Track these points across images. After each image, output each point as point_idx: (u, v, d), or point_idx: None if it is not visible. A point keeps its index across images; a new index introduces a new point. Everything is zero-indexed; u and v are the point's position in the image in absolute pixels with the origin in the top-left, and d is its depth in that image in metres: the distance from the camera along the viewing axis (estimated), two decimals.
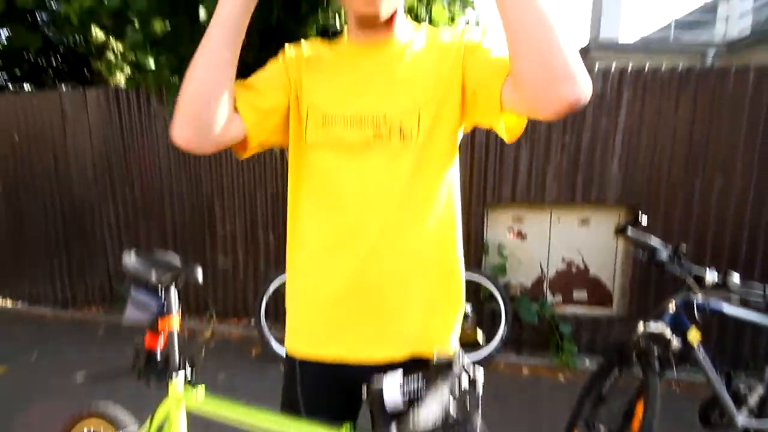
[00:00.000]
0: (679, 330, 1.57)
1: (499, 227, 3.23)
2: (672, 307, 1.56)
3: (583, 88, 0.60)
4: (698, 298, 1.51)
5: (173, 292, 1.09)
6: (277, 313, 2.99)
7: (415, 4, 2.49)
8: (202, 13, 2.07)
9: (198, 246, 3.57)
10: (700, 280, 1.50)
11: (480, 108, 0.74)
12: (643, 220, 1.50)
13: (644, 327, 1.54)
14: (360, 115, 0.76)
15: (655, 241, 1.50)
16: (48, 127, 3.75)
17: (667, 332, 1.53)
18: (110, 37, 3.40)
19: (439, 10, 2.54)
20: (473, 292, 3.04)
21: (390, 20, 0.78)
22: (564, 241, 3.18)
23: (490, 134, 2.99)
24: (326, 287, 0.81)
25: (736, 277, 1.45)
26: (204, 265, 3.58)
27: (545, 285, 3.25)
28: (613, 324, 3.08)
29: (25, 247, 4.00)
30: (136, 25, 2.24)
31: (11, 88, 4.91)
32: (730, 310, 1.56)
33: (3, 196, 3.99)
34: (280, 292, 2.93)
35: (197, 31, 2.33)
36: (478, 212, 3.12)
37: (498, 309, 2.96)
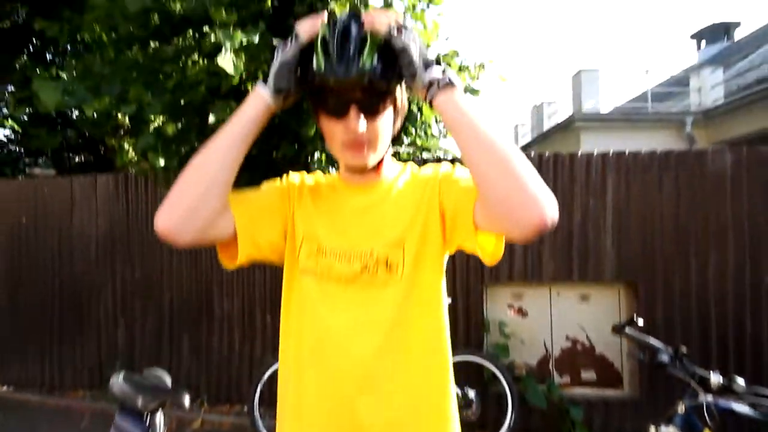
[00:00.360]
0: (692, 431, 1.51)
1: (499, 305, 3.21)
2: (681, 409, 1.52)
3: (547, 211, 0.63)
4: (706, 398, 1.47)
5: (159, 417, 1.06)
6: (272, 399, 2.85)
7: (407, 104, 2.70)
8: (212, 117, 2.24)
9: (194, 327, 3.51)
10: (705, 382, 1.47)
11: (459, 232, 0.78)
12: (639, 321, 1.51)
13: (656, 431, 1.48)
14: (349, 250, 0.80)
15: (655, 342, 1.49)
16: (56, 210, 3.86)
17: None
18: (124, 132, 3.62)
19: (429, 109, 2.75)
20: (475, 374, 2.94)
21: (377, 166, 0.85)
22: (566, 317, 3.14)
23: None
24: (313, 422, 0.80)
25: (741, 381, 1.43)
26: (199, 346, 3.54)
27: (551, 364, 3.15)
28: (626, 407, 2.94)
29: (19, 328, 3.92)
30: (150, 128, 2.41)
31: (27, 171, 5.16)
32: (740, 408, 1.51)
33: (4, 278, 3.99)
34: (276, 379, 2.82)
35: (205, 132, 2.52)
36: (476, 290, 3.12)
37: (503, 391, 2.83)
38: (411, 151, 3.37)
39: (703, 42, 16.09)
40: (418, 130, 3.26)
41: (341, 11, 2.13)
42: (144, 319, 3.64)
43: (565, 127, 8.96)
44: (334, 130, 0.78)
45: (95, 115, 2.65)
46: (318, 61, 0.72)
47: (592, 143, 8.26)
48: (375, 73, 0.71)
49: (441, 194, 0.81)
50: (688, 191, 2.87)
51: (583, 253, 2.97)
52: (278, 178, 0.90)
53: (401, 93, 0.81)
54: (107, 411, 3.38)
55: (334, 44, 0.71)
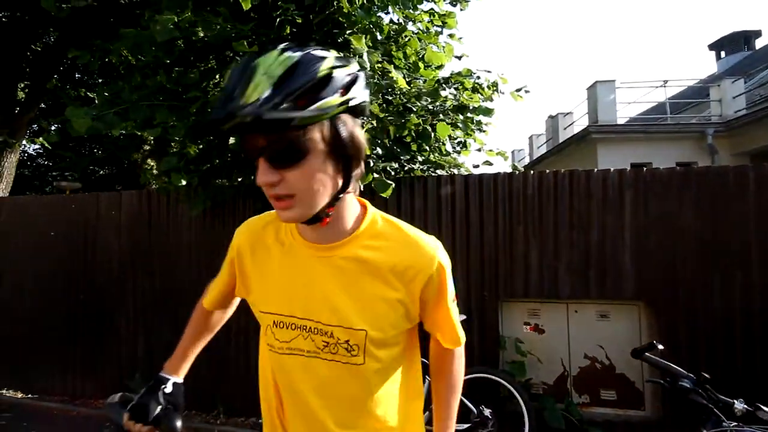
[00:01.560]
0: None
1: (515, 321, 3.18)
2: None
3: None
4: (730, 426, 1.43)
5: None
6: None
7: (421, 123, 2.76)
8: (231, 139, 2.32)
9: (212, 340, 3.55)
10: (728, 409, 1.43)
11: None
12: (659, 345, 1.49)
13: None
14: (309, 324, 0.76)
15: (676, 370, 1.47)
16: (82, 225, 4.02)
17: None
18: (148, 152, 3.77)
19: (443, 127, 2.79)
20: (491, 391, 2.90)
21: (337, 222, 0.75)
22: (584, 335, 3.09)
23: (498, 232, 3.09)
24: None
25: (766, 409, 1.39)
26: (216, 359, 3.60)
27: (569, 383, 3.09)
28: (648, 428, 2.85)
29: (43, 339, 4.06)
30: (173, 149, 2.52)
31: (55, 184, 5.41)
32: None
33: (31, 291, 4.15)
34: None
35: (224, 152, 2.61)
36: (491, 307, 3.10)
37: (520, 410, 2.79)
38: (425, 168, 3.41)
39: (723, 52, 15.81)
40: (431, 147, 3.30)
41: (358, 44, 2.21)
42: (162, 331, 3.72)
43: (581, 138, 8.88)
44: (258, 179, 0.68)
45: (122, 136, 2.77)
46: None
47: (609, 155, 8.15)
48: (260, 111, 0.60)
49: (425, 310, 0.80)
50: (709, 208, 2.82)
51: (601, 271, 2.93)
52: (229, 250, 0.89)
53: (340, 128, 0.68)
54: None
55: (232, 83, 0.63)
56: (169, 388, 0.92)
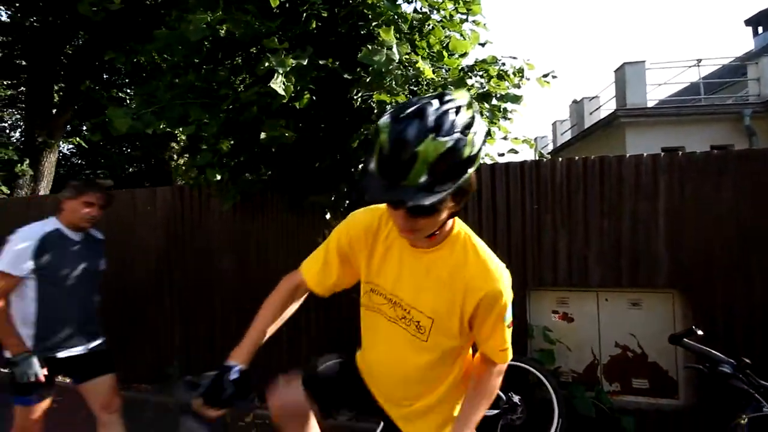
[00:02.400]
0: None
1: (543, 310, 3.17)
2: (744, 420, 1.46)
3: None
4: None
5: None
6: None
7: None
8: (263, 134, 2.39)
9: (244, 328, 3.69)
10: None
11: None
12: (699, 331, 1.47)
13: None
14: (394, 298, 1.02)
15: (716, 355, 1.45)
16: (120, 221, 4.21)
17: None
18: (181, 150, 3.89)
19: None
20: (519, 379, 2.91)
21: (433, 236, 0.95)
22: (615, 324, 3.05)
23: (525, 221, 3.07)
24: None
25: None
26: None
27: (599, 371, 3.07)
28: (682, 416, 2.81)
29: None
30: (206, 145, 2.61)
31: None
32: None
33: None
34: None
35: (257, 147, 2.69)
36: (519, 295, 3.09)
37: (549, 398, 2.79)
38: None
39: (760, 27, 14.89)
40: None
41: (387, 36, 2.21)
42: (197, 322, 3.89)
43: (608, 123, 8.61)
44: (391, 213, 0.91)
45: (157, 134, 2.89)
46: (364, 178, 0.80)
47: (638, 139, 7.88)
48: (419, 197, 0.76)
49: (476, 318, 0.99)
50: (749, 192, 2.71)
51: (633, 258, 2.87)
52: (337, 233, 1.10)
53: (467, 182, 0.84)
54: (166, 404, 3.65)
55: (380, 160, 0.77)
56: (234, 375, 1.00)
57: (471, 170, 0.80)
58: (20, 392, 1.88)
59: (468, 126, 0.77)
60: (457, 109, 0.77)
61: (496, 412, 2.80)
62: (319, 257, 1.09)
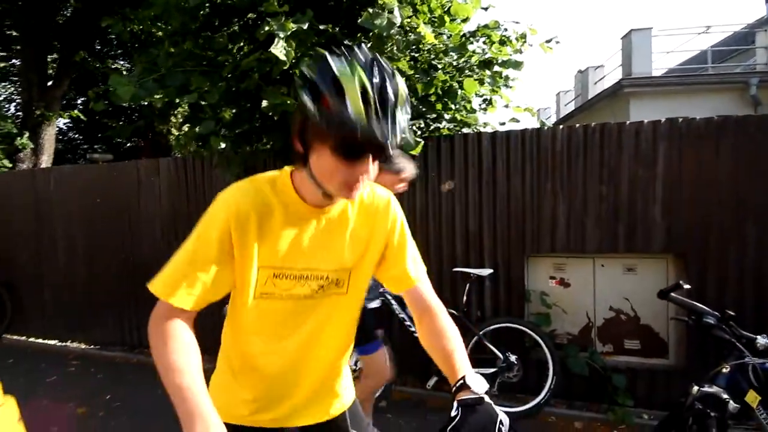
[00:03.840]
0: (737, 392, 1.55)
1: (541, 276, 3.26)
2: (726, 369, 1.56)
3: None
4: (752, 360, 1.50)
5: None
6: None
7: (448, 80, 2.74)
8: (264, 102, 2.40)
9: None
10: (751, 344, 1.50)
11: (385, 274, 1.02)
12: (685, 285, 1.54)
13: (699, 390, 1.54)
14: (307, 272, 0.91)
15: (701, 308, 1.53)
16: (125, 192, 4.26)
17: (724, 395, 1.52)
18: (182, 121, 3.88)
19: (470, 83, 2.76)
20: (516, 340, 3.04)
21: None
22: (610, 288, 3.14)
23: (525, 188, 3.11)
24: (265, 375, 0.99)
25: None
26: None
27: (593, 333, 3.19)
28: (672, 376, 2.95)
29: (99, 297, 4.45)
30: (207, 114, 2.61)
31: (88, 156, 5.70)
32: None
33: (83, 254, 4.50)
34: None
35: (257, 116, 2.69)
36: (518, 261, 3.18)
37: (544, 358, 2.93)
38: (451, 127, 3.41)
39: None
40: (458, 105, 3.28)
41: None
42: None
43: (613, 92, 8.47)
44: (338, 169, 0.79)
45: (157, 106, 2.89)
46: (358, 115, 0.72)
47: (643, 109, 7.79)
48: (404, 136, 0.78)
49: (389, 250, 0.99)
50: (747, 159, 2.74)
51: (630, 225, 2.93)
52: (215, 225, 0.85)
53: None
54: None
55: (373, 98, 0.73)
56: None
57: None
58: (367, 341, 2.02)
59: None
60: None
61: (493, 370, 2.94)
62: (188, 271, 0.84)
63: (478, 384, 0.80)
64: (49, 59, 7.38)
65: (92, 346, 4.54)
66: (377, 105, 0.74)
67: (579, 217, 3.02)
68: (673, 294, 1.56)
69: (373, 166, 0.80)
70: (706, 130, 2.80)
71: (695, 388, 1.52)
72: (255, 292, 0.90)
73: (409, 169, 1.98)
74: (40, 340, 4.79)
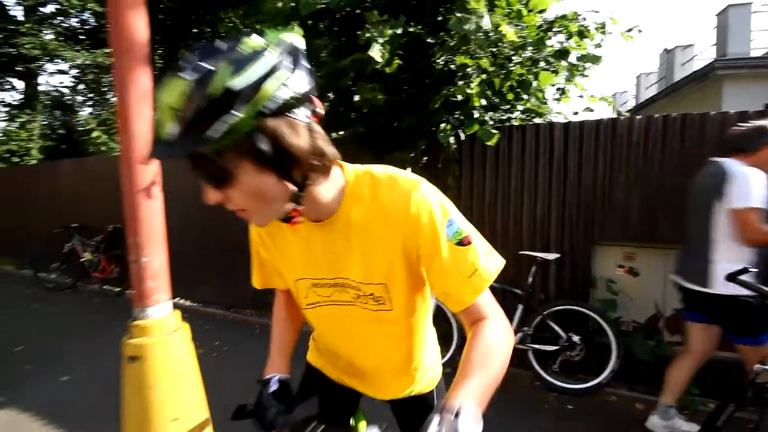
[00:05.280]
0: None
1: (608, 263, 3.33)
2: None
3: None
4: None
5: None
6: None
7: (524, 73, 2.88)
8: (356, 97, 2.75)
9: None
10: None
11: (433, 291, 0.86)
12: (752, 269, 1.64)
13: (760, 366, 1.65)
14: (336, 281, 0.88)
15: (764, 290, 1.62)
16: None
17: None
18: None
19: (546, 76, 2.88)
20: (580, 322, 3.17)
21: (315, 205, 0.79)
22: None
23: (597, 177, 3.19)
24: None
25: None
26: None
27: (661, 323, 3.23)
28: (742, 368, 2.92)
29: (203, 261, 5.25)
30: None
31: None
32: None
33: (191, 228, 5.31)
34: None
35: (351, 110, 3.06)
36: (585, 248, 3.28)
37: (607, 341, 3.03)
38: (524, 117, 3.53)
39: None
40: (530, 96, 3.40)
41: (477, 5, 2.37)
42: None
43: (704, 75, 7.77)
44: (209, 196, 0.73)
45: None
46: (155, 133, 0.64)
47: (737, 95, 7.11)
48: (172, 151, 0.62)
49: (425, 267, 0.82)
50: None
51: None
52: (251, 237, 1.04)
53: (258, 141, 0.64)
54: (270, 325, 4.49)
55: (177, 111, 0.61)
56: (273, 387, 0.91)
57: (236, 117, 0.60)
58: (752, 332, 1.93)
59: (234, 74, 0.59)
60: (213, 46, 0.63)
61: (555, 348, 3.13)
62: (256, 265, 1.06)
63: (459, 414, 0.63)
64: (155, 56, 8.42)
65: (196, 303, 5.39)
66: (181, 117, 0.61)
67: (652, 207, 3.04)
68: (739, 278, 1.66)
69: (211, 193, 0.69)
70: None
71: (758, 365, 1.63)
72: (304, 303, 0.97)
73: None
74: None
